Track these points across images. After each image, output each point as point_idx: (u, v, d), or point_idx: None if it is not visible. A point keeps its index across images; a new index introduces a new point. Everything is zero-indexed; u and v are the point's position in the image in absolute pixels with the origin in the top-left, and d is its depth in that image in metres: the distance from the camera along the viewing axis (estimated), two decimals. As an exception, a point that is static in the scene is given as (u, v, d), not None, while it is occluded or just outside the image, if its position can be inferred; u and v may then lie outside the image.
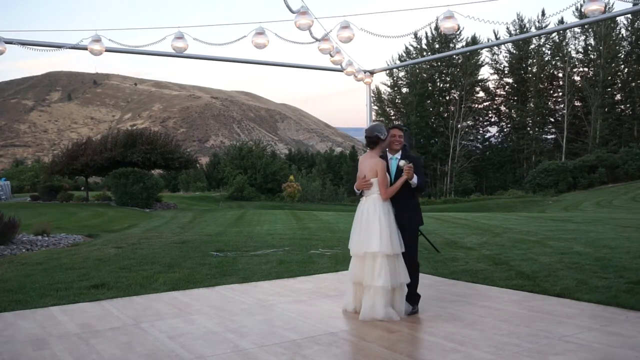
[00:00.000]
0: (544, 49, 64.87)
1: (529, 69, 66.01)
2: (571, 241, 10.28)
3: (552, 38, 62.43)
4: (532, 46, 65.19)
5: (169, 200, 33.26)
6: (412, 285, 5.33)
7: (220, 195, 49.82)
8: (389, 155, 5.42)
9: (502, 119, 70.49)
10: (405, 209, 5.30)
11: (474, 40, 64.34)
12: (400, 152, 5.41)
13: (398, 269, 5.12)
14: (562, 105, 64.07)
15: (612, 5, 32.97)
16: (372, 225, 5.11)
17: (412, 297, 5.35)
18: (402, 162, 5.25)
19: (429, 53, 65.24)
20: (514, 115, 67.37)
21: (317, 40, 6.60)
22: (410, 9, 7.19)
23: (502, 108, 70.34)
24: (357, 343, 4.43)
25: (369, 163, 5.27)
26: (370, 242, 5.07)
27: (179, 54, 6.70)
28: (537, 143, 64.29)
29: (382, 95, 68.51)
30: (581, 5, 5.32)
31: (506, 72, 68.66)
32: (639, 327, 4.72)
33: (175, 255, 9.09)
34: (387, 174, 5.23)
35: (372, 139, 5.28)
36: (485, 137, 71.29)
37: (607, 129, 58.20)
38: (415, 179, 5.22)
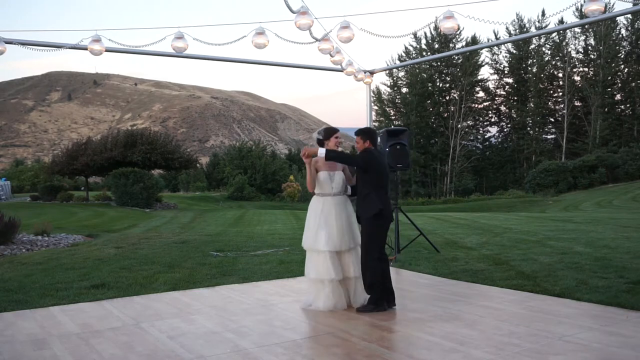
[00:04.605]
0: (544, 49, 64.73)
1: (529, 69, 65.87)
2: (571, 241, 10.27)
3: (552, 38, 62.29)
4: (532, 46, 65.02)
5: (169, 200, 33.25)
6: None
7: (220, 195, 49.76)
8: None
9: (502, 119, 70.38)
10: (360, 199, 5.42)
11: (474, 40, 64.18)
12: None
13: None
14: (562, 105, 63.96)
15: (612, 5, 33.06)
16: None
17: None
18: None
19: (429, 53, 65.13)
20: (514, 115, 67.25)
21: (317, 40, 6.61)
22: (410, 9, 7.20)
23: (502, 108, 70.19)
24: (357, 343, 4.42)
25: None
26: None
27: (179, 54, 6.70)
28: (537, 143, 64.13)
29: (382, 95, 68.37)
30: (581, 5, 5.33)
31: (506, 72, 68.51)
32: (639, 327, 4.71)
33: (176, 255, 9.10)
34: (312, 169, 5.48)
35: (317, 142, 5.66)
36: (485, 137, 71.15)
37: (607, 129, 58.10)
38: (321, 151, 5.29)
